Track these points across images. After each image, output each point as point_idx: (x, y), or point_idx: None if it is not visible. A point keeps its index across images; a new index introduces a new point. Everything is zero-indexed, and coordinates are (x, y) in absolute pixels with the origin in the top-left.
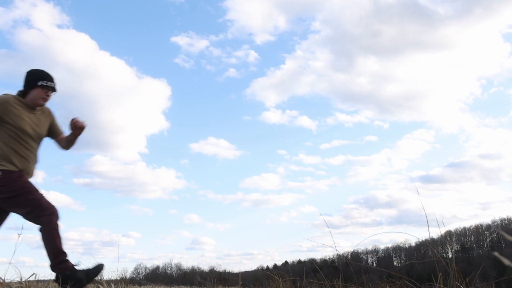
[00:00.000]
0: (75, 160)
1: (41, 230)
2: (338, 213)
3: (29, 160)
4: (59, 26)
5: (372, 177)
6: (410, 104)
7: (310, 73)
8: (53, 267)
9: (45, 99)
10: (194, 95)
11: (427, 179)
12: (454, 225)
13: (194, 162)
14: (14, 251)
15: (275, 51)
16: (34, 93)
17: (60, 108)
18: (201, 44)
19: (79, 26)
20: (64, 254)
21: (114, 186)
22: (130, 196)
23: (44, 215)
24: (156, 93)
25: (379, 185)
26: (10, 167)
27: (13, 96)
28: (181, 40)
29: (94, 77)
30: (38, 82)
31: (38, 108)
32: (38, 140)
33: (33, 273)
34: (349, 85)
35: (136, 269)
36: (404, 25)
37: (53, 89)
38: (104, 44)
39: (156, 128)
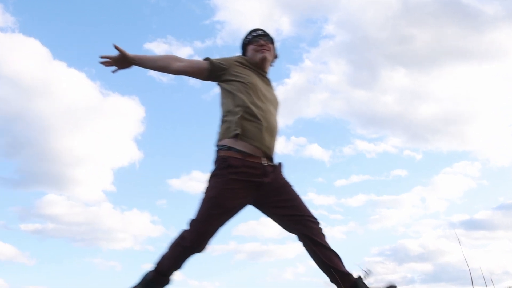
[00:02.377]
0: (22, 200)
1: None
2: (358, 268)
3: None
4: (1, 29)
5: (402, 223)
6: (450, 129)
7: (322, 90)
8: None
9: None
10: (174, 117)
11: (472, 225)
12: (506, 284)
13: (174, 202)
14: None
15: (278, 61)
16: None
17: (3, 132)
18: (183, 52)
19: (27, 29)
20: None
21: (72, 233)
22: (93, 246)
23: None
24: (125, 114)
25: (410, 232)
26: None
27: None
28: (157, 47)
29: (47, 94)
30: (245, 41)
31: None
32: None
33: None
34: (372, 104)
35: None
36: (442, 28)
37: (263, 35)
38: (59, 52)
39: (125, 159)
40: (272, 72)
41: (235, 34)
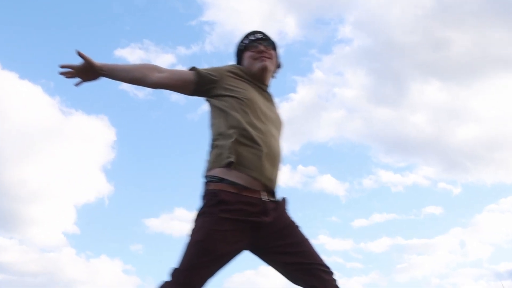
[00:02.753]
0: None
1: None
2: None
3: None
4: None
5: (435, 272)
6: (495, 156)
7: (337, 107)
8: None
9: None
10: (153, 141)
11: None
12: None
13: (151, 248)
14: None
15: (281, 71)
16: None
17: None
18: (164, 60)
19: None
20: None
21: (26, 285)
22: None
23: None
24: (92, 138)
25: (446, 284)
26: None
27: None
28: (130, 54)
29: None
30: (240, 46)
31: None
32: None
33: None
34: (398, 126)
35: None
36: (485, 31)
37: (263, 39)
38: (10, 61)
39: (91, 194)
40: (274, 85)
41: (228, 37)
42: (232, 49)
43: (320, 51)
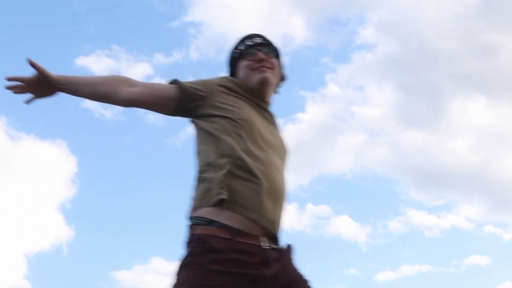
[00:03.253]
0: None
1: None
2: None
3: None
4: None
5: None
6: None
7: (356, 130)
8: None
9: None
10: (124, 173)
11: None
12: None
13: None
14: None
15: (286, 85)
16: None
17: None
18: (137, 70)
19: None
20: None
21: None
22: None
23: None
24: (47, 169)
25: None
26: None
27: None
28: (95, 63)
29: None
30: (234, 54)
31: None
32: None
33: None
34: (434, 153)
35: None
36: None
37: (263, 45)
38: None
39: (46, 240)
40: (277, 102)
41: (219, 42)
42: (224, 57)
43: (335, 60)
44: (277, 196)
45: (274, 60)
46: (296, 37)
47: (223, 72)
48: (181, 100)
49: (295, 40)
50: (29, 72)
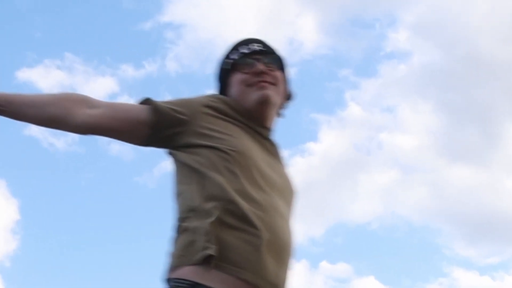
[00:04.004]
0: None
1: None
2: None
3: None
4: None
5: None
6: None
7: (385, 165)
8: None
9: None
10: (80, 220)
11: None
12: None
13: None
14: None
15: (295, 107)
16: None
17: None
18: (98, 86)
19: None
20: None
21: None
22: None
23: None
24: None
25: None
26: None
27: None
28: (43, 76)
29: None
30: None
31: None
32: None
33: None
34: (487, 195)
35: None
36: None
37: (263, 53)
38: None
39: None
40: (281, 129)
41: (204, 50)
42: (211, 69)
43: (358, 73)
44: (281, 251)
45: (278, 73)
46: (306, 42)
47: (211, 88)
48: (156, 126)
49: (305, 46)
50: None
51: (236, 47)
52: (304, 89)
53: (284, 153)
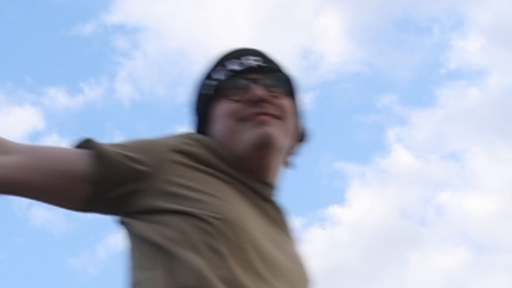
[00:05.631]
0: None
1: None
2: None
3: None
4: None
5: None
6: None
7: (447, 240)
8: None
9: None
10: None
11: None
12: None
13: None
14: None
15: (312, 152)
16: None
17: None
18: (13, 120)
19: None
20: None
21: None
22: None
23: None
24: None
25: None
26: None
27: None
28: None
29: None
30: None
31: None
32: None
33: None
34: None
35: None
36: None
37: (262, 71)
38: None
39: None
40: (291, 186)
41: (174, 66)
42: (183, 96)
43: (406, 100)
44: None
45: (284, 101)
46: (328, 55)
47: (184, 125)
48: (101, 181)
49: (326, 61)
50: None
51: (222, 62)
52: (325, 125)
53: (294, 222)
